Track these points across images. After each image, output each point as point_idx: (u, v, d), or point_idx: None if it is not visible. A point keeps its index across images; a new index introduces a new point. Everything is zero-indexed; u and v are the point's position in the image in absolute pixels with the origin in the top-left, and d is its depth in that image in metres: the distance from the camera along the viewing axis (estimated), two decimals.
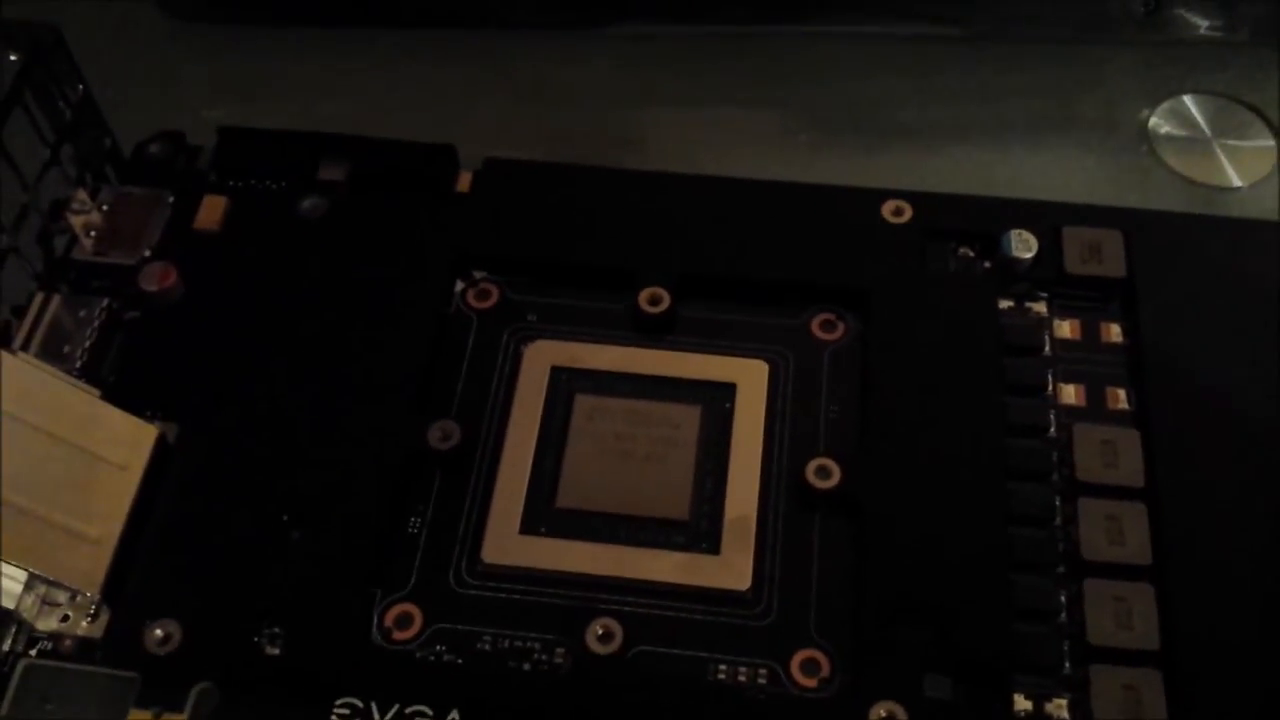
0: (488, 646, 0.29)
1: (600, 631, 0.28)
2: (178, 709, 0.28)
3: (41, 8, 0.34)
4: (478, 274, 0.34)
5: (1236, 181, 0.39)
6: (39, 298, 0.33)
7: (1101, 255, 0.33)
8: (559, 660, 0.28)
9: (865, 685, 0.27)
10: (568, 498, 0.30)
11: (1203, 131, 0.40)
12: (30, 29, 0.33)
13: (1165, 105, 0.40)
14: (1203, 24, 0.41)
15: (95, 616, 0.29)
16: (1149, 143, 0.40)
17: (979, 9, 0.41)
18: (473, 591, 0.29)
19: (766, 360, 0.32)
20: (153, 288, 0.33)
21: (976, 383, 0.31)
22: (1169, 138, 0.40)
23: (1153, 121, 0.40)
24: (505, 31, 0.43)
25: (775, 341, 0.33)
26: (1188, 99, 0.40)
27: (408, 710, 0.28)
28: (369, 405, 0.31)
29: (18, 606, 0.29)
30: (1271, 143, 0.39)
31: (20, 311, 0.33)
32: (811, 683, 0.28)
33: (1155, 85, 0.41)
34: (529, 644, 0.29)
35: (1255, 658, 0.27)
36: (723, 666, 0.28)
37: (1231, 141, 0.39)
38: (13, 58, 0.33)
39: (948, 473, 0.30)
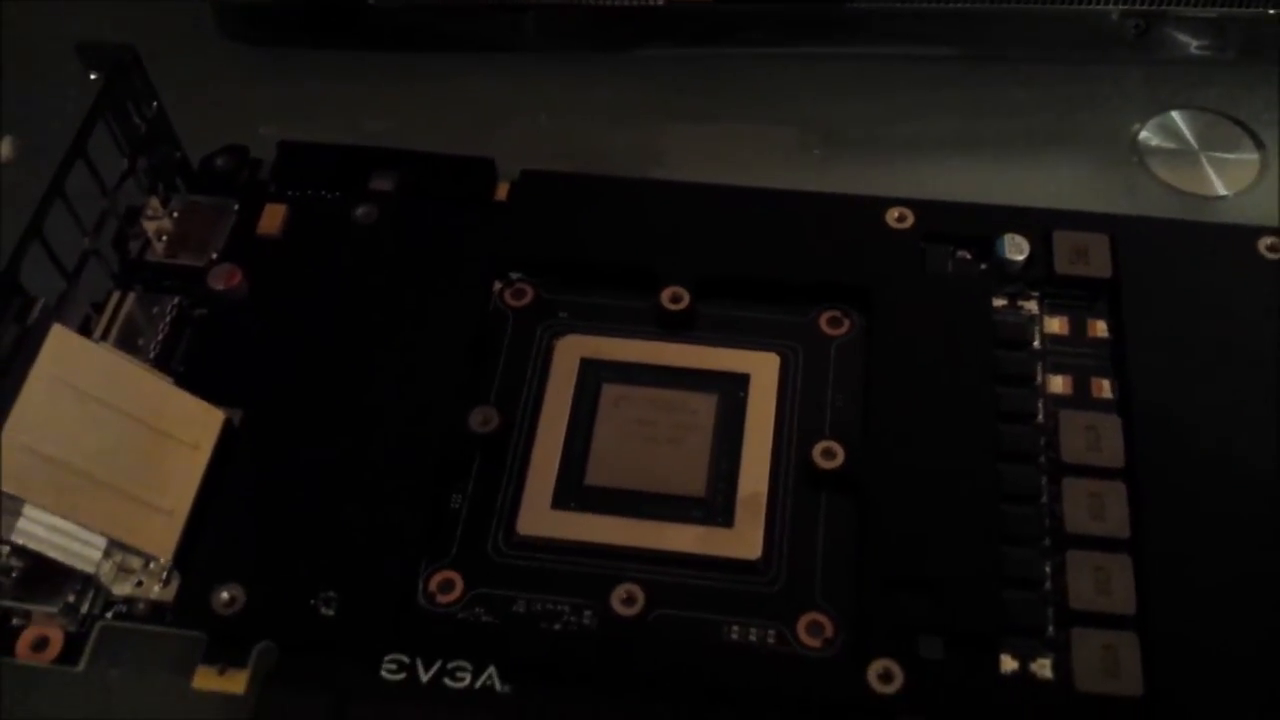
0: (522, 609, 0.30)
1: (624, 596, 0.30)
2: (241, 665, 0.29)
3: (119, 32, 0.35)
4: (514, 275, 0.36)
5: (1221, 191, 0.40)
6: (116, 295, 0.35)
7: (1089, 257, 0.34)
8: (586, 622, 0.30)
9: (865, 646, 0.29)
10: (596, 476, 0.32)
11: (1190, 144, 0.41)
12: (111, 50, 0.34)
13: (1155, 120, 0.41)
14: (1192, 43, 0.42)
15: (167, 582, 0.31)
16: (1139, 155, 0.41)
17: (978, 31, 0.42)
18: (509, 560, 0.31)
19: (778, 353, 0.34)
20: (220, 287, 0.35)
21: (971, 373, 0.32)
22: (1158, 150, 0.41)
23: (1143, 135, 0.41)
24: (539, 54, 0.44)
25: (786, 336, 0.34)
26: (1176, 114, 0.41)
27: (449, 666, 0.29)
28: (415, 393, 0.33)
29: (97, 572, 0.30)
30: (1255, 155, 0.40)
31: (99, 308, 0.35)
32: (816, 643, 0.29)
33: (1146, 101, 0.42)
34: (559, 607, 0.30)
35: (1223, 621, 0.29)
36: (735, 628, 0.30)
37: (1218, 154, 0.40)
38: (93, 77, 0.34)
39: (943, 455, 0.31)
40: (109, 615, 0.31)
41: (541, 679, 0.29)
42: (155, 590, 0.31)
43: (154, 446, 0.31)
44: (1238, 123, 0.41)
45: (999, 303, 0.34)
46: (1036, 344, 0.34)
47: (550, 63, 0.44)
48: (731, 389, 0.33)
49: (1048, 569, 0.30)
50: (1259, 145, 0.41)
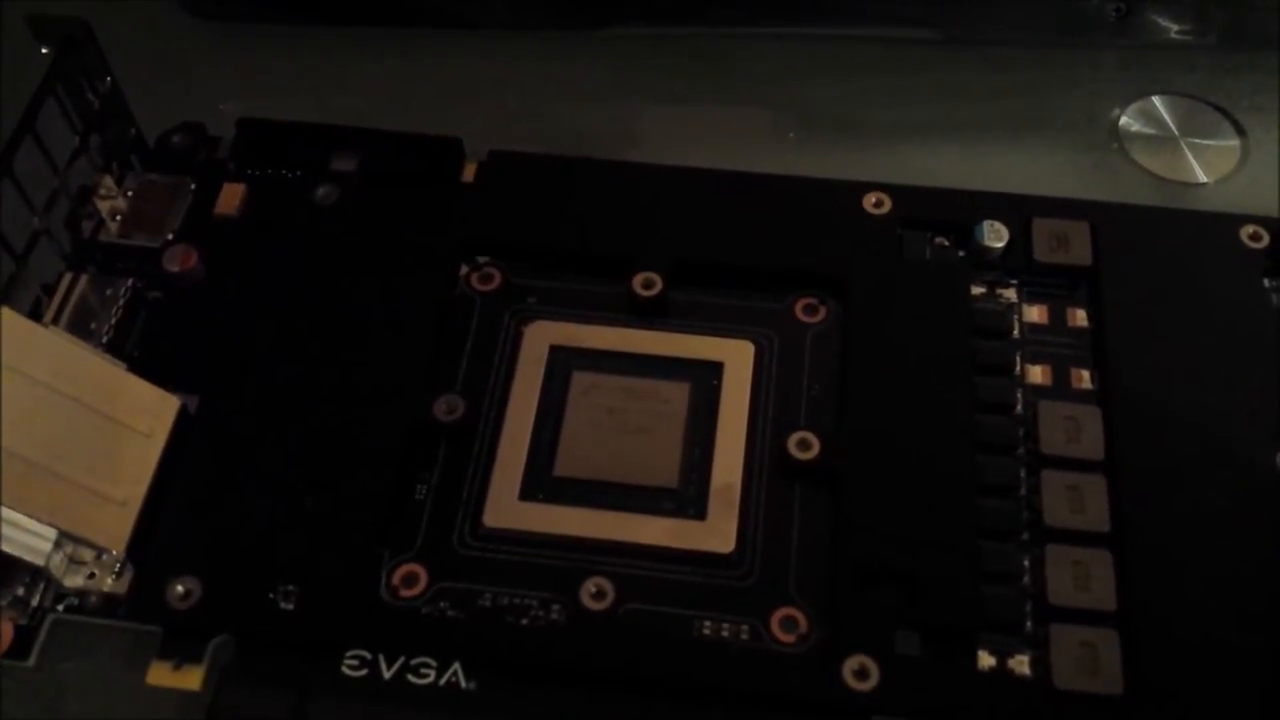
0: (488, 603, 0.30)
1: (593, 590, 0.29)
2: (197, 660, 0.29)
3: (72, 5, 0.35)
4: (481, 259, 0.35)
5: (1202, 178, 0.39)
6: (68, 277, 0.34)
7: (1069, 245, 0.34)
8: (555, 616, 0.29)
9: (840, 641, 0.28)
10: (564, 466, 0.31)
11: (1171, 130, 0.41)
12: (62, 24, 0.34)
13: (1135, 105, 0.41)
14: (1173, 28, 0.41)
15: (120, 574, 0.30)
16: (1119, 141, 0.40)
17: (957, 14, 0.42)
18: (474, 553, 0.30)
19: (752, 341, 0.33)
20: (175, 269, 0.34)
21: (949, 363, 0.32)
22: (1139, 136, 0.40)
23: (1123, 121, 0.41)
24: (509, 32, 0.44)
25: (761, 324, 0.34)
26: (1157, 99, 0.41)
27: (413, 662, 0.29)
28: (378, 380, 0.32)
29: (47, 564, 0.29)
30: (1236, 142, 0.40)
31: (50, 289, 0.34)
32: (790, 639, 0.29)
33: (1126, 86, 0.41)
34: (527, 601, 0.30)
35: (1205, 618, 0.29)
36: (707, 623, 0.29)
37: (1198, 140, 0.40)
38: (44, 51, 0.34)
39: (920, 446, 0.31)
40: (60, 608, 0.30)
41: (508, 675, 0.29)
42: (108, 583, 0.30)
43: (106, 434, 0.30)
44: (1219, 109, 0.41)
45: (977, 290, 0.34)
46: (1015, 333, 0.33)
47: (520, 41, 0.44)
48: (704, 377, 0.33)
49: (1026, 563, 0.30)
50: (1240, 131, 0.40)
